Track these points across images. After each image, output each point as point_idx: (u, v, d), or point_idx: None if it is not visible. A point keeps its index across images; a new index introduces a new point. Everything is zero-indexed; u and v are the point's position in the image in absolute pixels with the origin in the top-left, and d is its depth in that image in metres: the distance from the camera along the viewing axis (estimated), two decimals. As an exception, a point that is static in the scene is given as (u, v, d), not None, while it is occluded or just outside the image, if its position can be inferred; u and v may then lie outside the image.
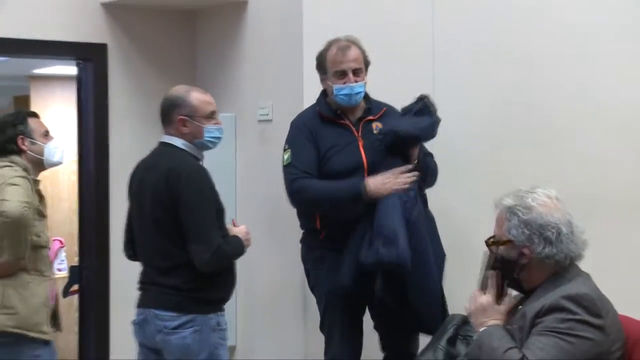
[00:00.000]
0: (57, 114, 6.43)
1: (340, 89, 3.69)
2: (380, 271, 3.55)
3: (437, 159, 3.84)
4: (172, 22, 5.26)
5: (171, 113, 3.57)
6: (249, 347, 4.76)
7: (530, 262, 2.66)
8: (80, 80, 5.22)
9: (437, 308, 3.53)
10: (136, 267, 4.96)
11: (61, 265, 6.07)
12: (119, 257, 5.10)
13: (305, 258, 3.91)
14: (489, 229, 2.82)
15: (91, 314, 5.08)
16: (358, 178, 3.62)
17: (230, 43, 5.01)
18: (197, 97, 3.58)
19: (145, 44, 5.23)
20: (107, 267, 5.12)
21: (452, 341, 2.93)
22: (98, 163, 5.11)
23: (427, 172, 3.72)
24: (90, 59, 5.12)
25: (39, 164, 4.04)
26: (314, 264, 3.81)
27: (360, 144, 3.72)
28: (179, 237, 3.46)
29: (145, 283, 3.63)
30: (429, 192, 3.82)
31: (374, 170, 3.65)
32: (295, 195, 3.70)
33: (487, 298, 2.70)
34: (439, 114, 3.69)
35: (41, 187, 4.10)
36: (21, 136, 3.98)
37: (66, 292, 5.12)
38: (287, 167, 3.74)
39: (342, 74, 3.69)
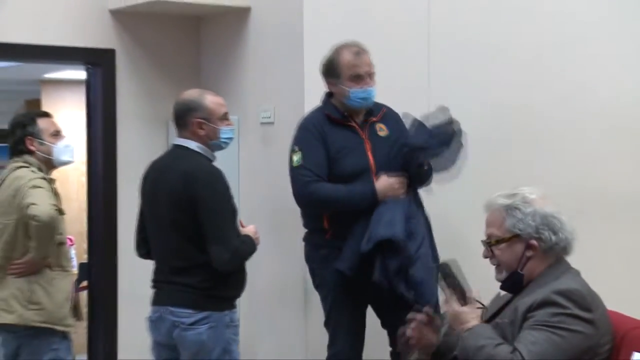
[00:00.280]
0: (67, 117, 6.43)
1: (357, 93, 3.67)
2: (378, 257, 3.53)
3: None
4: (177, 28, 5.26)
5: (187, 116, 3.54)
6: (251, 343, 4.75)
7: (535, 254, 2.65)
8: (89, 84, 5.23)
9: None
10: (143, 264, 4.97)
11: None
12: (126, 254, 5.12)
13: (310, 257, 3.87)
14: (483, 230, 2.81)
15: (100, 309, 5.08)
16: (368, 182, 3.62)
17: (233, 48, 5.01)
18: (211, 100, 3.57)
19: (152, 49, 5.23)
20: (115, 264, 5.12)
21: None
22: (106, 164, 5.12)
23: (426, 180, 3.75)
24: (99, 63, 5.12)
25: (49, 163, 4.03)
26: (320, 263, 3.78)
27: (367, 146, 3.72)
28: (197, 238, 3.44)
29: (159, 281, 3.61)
30: (425, 194, 3.82)
31: (380, 171, 3.66)
32: (309, 197, 3.68)
33: (453, 306, 2.66)
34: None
35: (56, 185, 4.09)
36: (29, 137, 3.97)
37: (75, 288, 5.12)
38: (298, 169, 3.69)
39: (358, 78, 3.67)
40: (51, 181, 3.97)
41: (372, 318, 3.84)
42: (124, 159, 5.15)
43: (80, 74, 5.56)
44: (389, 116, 3.82)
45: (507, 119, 3.85)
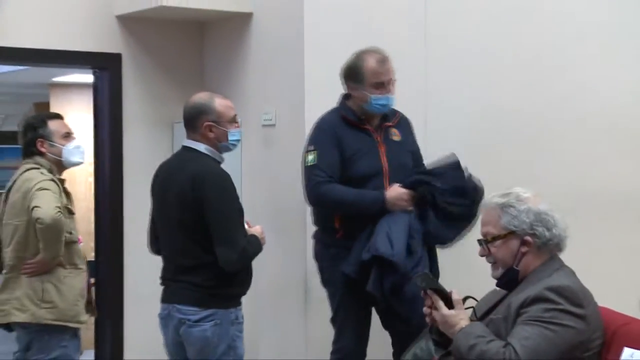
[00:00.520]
0: (75, 120, 6.41)
1: (377, 99, 3.66)
2: (374, 269, 3.53)
3: (428, 163, 3.83)
4: (182, 33, 5.26)
5: (197, 119, 3.53)
6: (254, 339, 4.75)
7: (529, 250, 2.66)
8: (96, 88, 5.23)
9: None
10: (148, 263, 4.97)
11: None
12: (132, 253, 5.13)
13: (320, 255, 3.85)
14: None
15: (107, 305, 5.08)
16: (379, 189, 3.62)
17: (235, 52, 5.01)
18: (220, 103, 3.55)
19: (157, 53, 5.23)
20: (122, 261, 5.13)
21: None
22: (113, 165, 5.11)
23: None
24: (105, 67, 5.12)
25: (60, 165, 4.01)
26: (329, 261, 3.76)
27: (382, 149, 3.71)
28: (204, 239, 3.43)
29: (167, 279, 3.60)
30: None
31: (393, 175, 3.66)
32: (319, 197, 3.67)
33: (440, 312, 2.66)
34: (433, 113, 3.70)
35: (66, 185, 4.08)
36: (40, 139, 3.96)
37: (88, 285, 5.12)
38: (311, 168, 3.68)
39: (381, 85, 3.66)
40: (61, 182, 3.95)
41: (376, 317, 3.84)
42: (130, 160, 5.15)
43: (87, 77, 5.57)
44: (403, 122, 3.82)
45: (504, 121, 3.85)
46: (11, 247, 3.85)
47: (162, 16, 5.06)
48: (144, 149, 5.15)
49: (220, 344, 3.46)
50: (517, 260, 2.67)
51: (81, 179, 6.53)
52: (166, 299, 3.58)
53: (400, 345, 3.61)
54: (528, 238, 2.66)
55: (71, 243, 3.89)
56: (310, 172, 3.69)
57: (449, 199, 3.57)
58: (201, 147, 3.53)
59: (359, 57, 3.71)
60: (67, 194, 3.97)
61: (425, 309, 2.72)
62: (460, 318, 2.63)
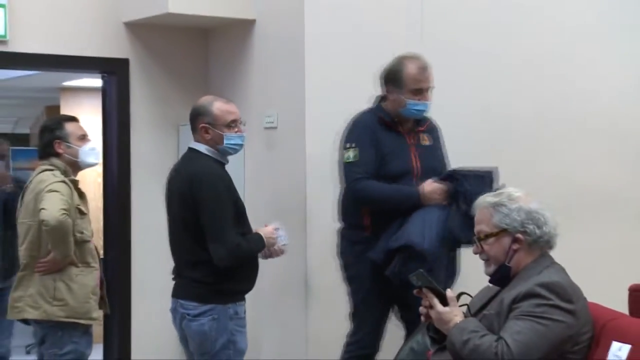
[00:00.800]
0: (84, 122, 6.41)
1: (414, 105, 3.63)
2: (400, 256, 3.49)
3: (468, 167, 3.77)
4: (187, 39, 5.27)
5: (195, 121, 3.54)
6: (256, 335, 4.74)
7: (521, 248, 2.66)
8: (105, 92, 5.23)
9: None
10: (155, 260, 4.98)
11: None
12: (139, 250, 5.14)
13: (345, 252, 3.79)
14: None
15: (115, 302, 5.06)
16: (413, 185, 3.60)
17: (239, 57, 5.02)
18: (218, 106, 3.54)
19: (163, 58, 5.23)
20: (129, 259, 5.13)
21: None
22: (121, 166, 5.12)
23: None
24: (114, 72, 5.12)
25: (76, 165, 3.99)
26: (355, 258, 3.71)
27: (413, 152, 3.70)
28: (201, 236, 3.44)
29: (175, 275, 3.62)
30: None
31: (422, 177, 3.64)
32: (357, 193, 3.63)
33: (436, 309, 2.65)
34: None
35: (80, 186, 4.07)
36: (57, 140, 3.95)
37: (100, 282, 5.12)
38: (351, 165, 3.65)
39: (419, 92, 3.64)
40: (75, 182, 3.95)
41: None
42: (137, 160, 5.15)
43: (96, 81, 5.57)
44: (432, 128, 3.81)
45: (500, 121, 3.85)
46: (24, 246, 3.85)
47: (168, 23, 5.06)
48: (151, 150, 5.16)
49: (219, 338, 3.46)
50: (509, 257, 2.67)
51: (90, 179, 6.52)
52: (174, 293, 3.60)
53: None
54: (519, 236, 2.66)
55: (83, 242, 3.88)
56: (349, 169, 3.66)
57: (471, 202, 3.52)
58: (202, 147, 3.54)
59: (401, 62, 3.68)
60: (81, 195, 3.96)
61: (422, 309, 2.72)
62: (454, 315, 2.62)
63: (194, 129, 3.57)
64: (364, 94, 3.97)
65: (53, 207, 3.69)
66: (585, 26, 3.59)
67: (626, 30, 3.49)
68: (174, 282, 3.63)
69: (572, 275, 2.67)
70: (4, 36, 4.76)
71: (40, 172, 3.88)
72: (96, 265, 3.94)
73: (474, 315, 2.70)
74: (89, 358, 3.97)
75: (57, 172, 3.86)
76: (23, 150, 8.28)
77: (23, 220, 3.88)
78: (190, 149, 3.59)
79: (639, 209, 3.46)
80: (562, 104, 3.66)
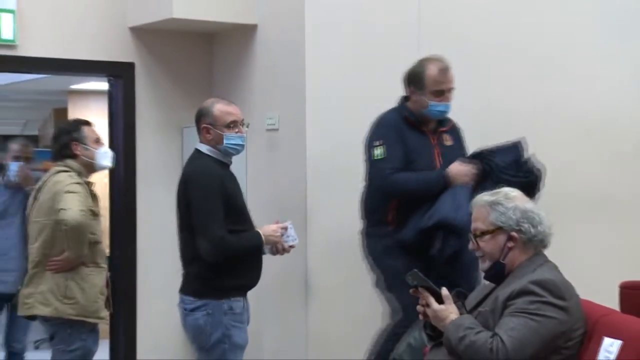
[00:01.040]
0: (91, 124, 6.42)
1: (436, 105, 3.63)
2: (440, 234, 3.47)
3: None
4: (191, 43, 5.27)
5: (198, 122, 3.56)
6: (258, 331, 4.74)
7: (515, 245, 2.65)
8: (111, 95, 5.23)
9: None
10: (159, 259, 4.99)
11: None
12: (144, 249, 5.14)
13: (372, 249, 3.73)
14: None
15: (121, 299, 5.07)
16: (438, 170, 3.60)
17: (242, 61, 5.02)
18: (219, 108, 3.54)
19: (168, 62, 5.23)
20: (135, 257, 5.13)
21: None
22: (126, 167, 5.12)
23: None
24: (119, 76, 5.12)
25: (91, 167, 3.98)
26: (383, 253, 3.65)
27: (437, 151, 3.69)
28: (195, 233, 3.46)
29: (182, 271, 3.64)
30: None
31: None
32: (389, 188, 3.61)
33: (432, 307, 2.65)
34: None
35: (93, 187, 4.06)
36: (75, 142, 3.95)
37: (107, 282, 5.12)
38: (379, 162, 3.63)
39: (440, 93, 3.63)
40: (89, 184, 3.95)
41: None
42: (143, 161, 5.16)
43: (103, 85, 5.57)
44: (455, 129, 3.80)
45: (494, 121, 3.84)
46: (38, 244, 3.84)
47: (173, 28, 5.06)
48: (156, 152, 5.17)
49: (213, 333, 3.45)
50: (504, 254, 2.67)
51: (97, 180, 6.51)
52: (179, 288, 3.62)
53: None
54: (514, 234, 2.66)
55: (94, 243, 3.88)
56: (379, 166, 3.64)
57: (509, 171, 3.48)
58: (204, 148, 3.55)
59: (422, 64, 3.67)
60: (94, 197, 3.96)
61: (419, 307, 2.71)
62: (449, 312, 2.62)
63: (198, 130, 3.58)
64: (363, 96, 3.98)
65: (73, 207, 3.69)
66: (584, 27, 3.58)
67: (625, 29, 3.48)
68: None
69: (565, 273, 2.66)
70: (14, 41, 4.77)
71: (56, 173, 3.87)
72: (105, 265, 3.94)
73: (470, 312, 2.70)
74: (95, 355, 3.97)
75: (73, 174, 3.85)
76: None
77: (37, 219, 3.87)
78: (195, 150, 3.60)
79: (631, 208, 3.46)
80: (552, 110, 3.66)
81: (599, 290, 2.86)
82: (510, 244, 2.66)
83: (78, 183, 3.81)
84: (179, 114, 5.16)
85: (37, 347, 6.32)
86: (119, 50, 5.07)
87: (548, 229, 2.68)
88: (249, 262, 3.55)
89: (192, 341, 3.54)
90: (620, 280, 2.87)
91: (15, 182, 4.78)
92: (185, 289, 3.53)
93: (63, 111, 7.61)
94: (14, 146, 4.89)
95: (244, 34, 4.97)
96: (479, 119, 3.88)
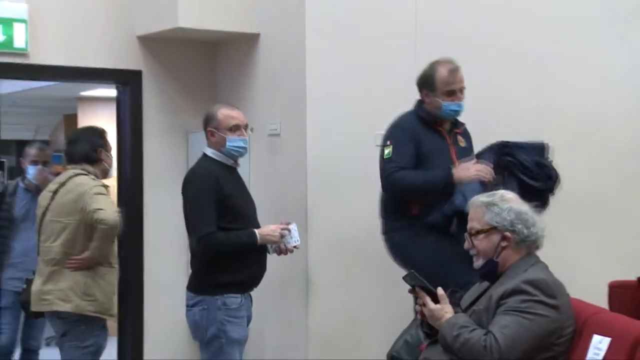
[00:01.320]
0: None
1: (448, 105, 3.63)
2: (456, 216, 3.43)
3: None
4: (196, 52, 5.27)
5: (205, 126, 3.60)
6: (259, 327, 4.74)
7: (508, 245, 2.66)
8: (119, 101, 5.23)
9: None
10: (165, 260, 4.97)
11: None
12: (151, 250, 5.14)
13: (399, 243, 3.66)
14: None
15: (128, 297, 5.07)
16: (445, 168, 3.56)
17: (244, 69, 5.02)
18: (223, 112, 3.58)
19: (174, 70, 5.23)
20: (142, 259, 5.12)
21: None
22: (134, 171, 5.11)
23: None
24: (127, 83, 5.12)
25: (105, 173, 3.99)
26: (412, 240, 3.58)
27: (453, 151, 3.69)
28: None
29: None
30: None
31: None
32: (393, 185, 3.59)
33: (428, 306, 2.66)
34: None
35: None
36: (101, 148, 3.95)
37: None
38: (387, 161, 3.61)
39: (452, 93, 3.63)
40: (106, 188, 3.96)
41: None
42: (149, 166, 5.15)
43: (111, 92, 5.57)
44: (467, 133, 3.81)
45: (491, 120, 3.84)
46: (59, 243, 3.82)
47: (179, 37, 5.06)
48: (162, 157, 5.16)
49: (209, 328, 3.47)
50: (497, 253, 2.68)
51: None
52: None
53: None
54: (508, 234, 2.66)
55: (111, 243, 3.90)
56: (385, 164, 3.64)
57: (529, 172, 3.44)
58: (208, 151, 3.59)
59: (433, 67, 3.68)
60: None
61: (417, 307, 2.72)
62: (445, 311, 2.63)
63: (205, 134, 3.62)
64: (362, 103, 3.98)
65: (109, 208, 3.72)
66: (581, 28, 3.57)
67: (622, 31, 3.47)
68: None
69: (556, 273, 2.66)
70: (25, 49, 4.77)
71: (75, 176, 3.86)
72: (117, 266, 3.95)
73: (465, 310, 2.70)
74: (103, 353, 3.97)
75: (93, 177, 3.86)
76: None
77: (57, 218, 3.83)
78: (203, 153, 3.64)
79: (620, 209, 3.46)
80: (547, 113, 3.66)
81: (588, 289, 2.86)
82: (503, 244, 2.67)
83: (103, 185, 3.83)
84: (184, 120, 5.16)
85: (48, 344, 6.31)
86: (126, 59, 5.07)
87: (541, 231, 2.68)
88: (245, 259, 3.52)
89: (193, 337, 3.58)
90: (609, 279, 2.87)
91: (34, 185, 4.79)
92: (188, 286, 3.58)
93: (73, 117, 7.61)
94: (32, 150, 4.88)
95: (246, 42, 4.97)
96: (478, 119, 3.88)
